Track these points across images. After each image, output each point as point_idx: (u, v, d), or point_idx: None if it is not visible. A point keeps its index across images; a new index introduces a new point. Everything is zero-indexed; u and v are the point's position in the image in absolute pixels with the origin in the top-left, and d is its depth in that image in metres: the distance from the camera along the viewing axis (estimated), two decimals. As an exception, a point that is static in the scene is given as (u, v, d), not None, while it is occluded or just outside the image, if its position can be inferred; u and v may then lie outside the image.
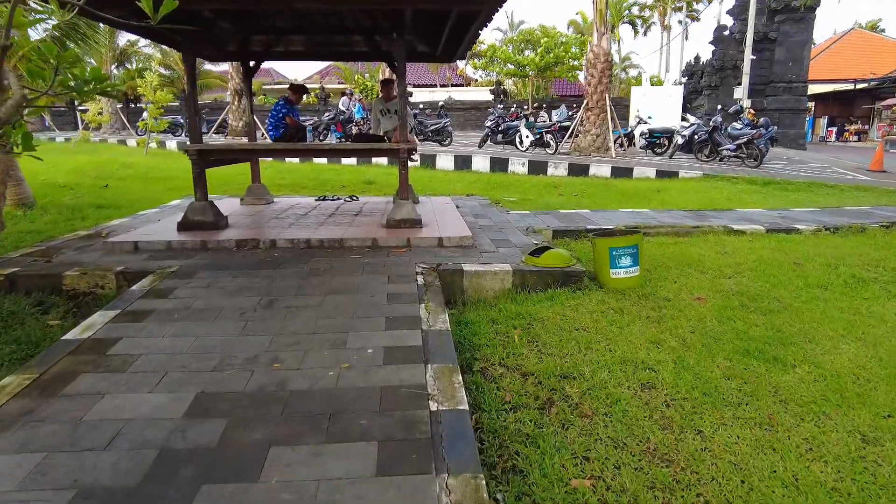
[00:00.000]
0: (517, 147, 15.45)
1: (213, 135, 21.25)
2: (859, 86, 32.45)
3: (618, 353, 3.28)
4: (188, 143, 5.62)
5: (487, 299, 4.40)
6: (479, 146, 16.31)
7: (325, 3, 4.65)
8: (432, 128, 17.30)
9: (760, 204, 8.56)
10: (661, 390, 2.90)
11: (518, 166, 12.30)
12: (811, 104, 31.54)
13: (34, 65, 3.12)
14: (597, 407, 2.72)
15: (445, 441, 2.15)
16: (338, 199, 8.14)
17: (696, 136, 13.77)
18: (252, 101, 7.56)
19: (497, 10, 5.01)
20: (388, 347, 2.98)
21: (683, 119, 14.94)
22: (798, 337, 3.59)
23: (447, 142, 17.33)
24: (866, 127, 31.97)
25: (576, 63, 28.17)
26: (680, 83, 27.71)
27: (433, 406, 2.41)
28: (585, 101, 14.48)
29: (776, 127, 14.74)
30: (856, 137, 31.70)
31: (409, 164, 5.84)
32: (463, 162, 12.94)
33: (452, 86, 36.75)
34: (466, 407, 2.42)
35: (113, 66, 33.64)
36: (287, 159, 12.19)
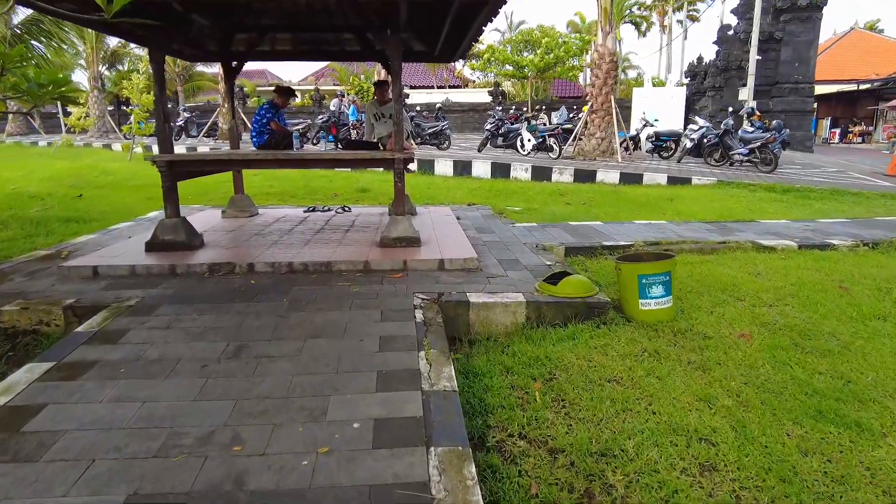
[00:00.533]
0: (518, 151, 14.85)
1: (204, 138, 20.60)
2: (862, 86, 32.01)
3: (664, 418, 2.67)
4: (156, 152, 4.99)
5: (498, 335, 3.79)
6: (479, 150, 15.71)
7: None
8: (430, 131, 16.70)
9: (783, 214, 7.97)
10: (726, 474, 2.29)
11: (521, 172, 11.69)
12: (813, 105, 31.04)
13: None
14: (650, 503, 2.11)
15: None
16: (328, 210, 7.53)
17: (705, 140, 13.19)
18: (234, 103, 6.93)
19: (505, 2, 4.41)
20: (379, 420, 2.36)
21: (692, 122, 14.36)
22: (874, 390, 2.99)
23: (445, 145, 16.73)
24: (870, 128, 31.48)
25: (576, 63, 27.62)
26: (682, 84, 27.18)
27: (439, 519, 1.79)
28: (590, 103, 13.90)
29: (788, 130, 14.18)
30: (860, 139, 31.22)
31: (406, 173, 5.23)
32: (463, 167, 12.34)
33: (450, 87, 36.15)
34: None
35: (103, 68, 32.96)
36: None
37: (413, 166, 5.08)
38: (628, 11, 35.87)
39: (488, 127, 16.13)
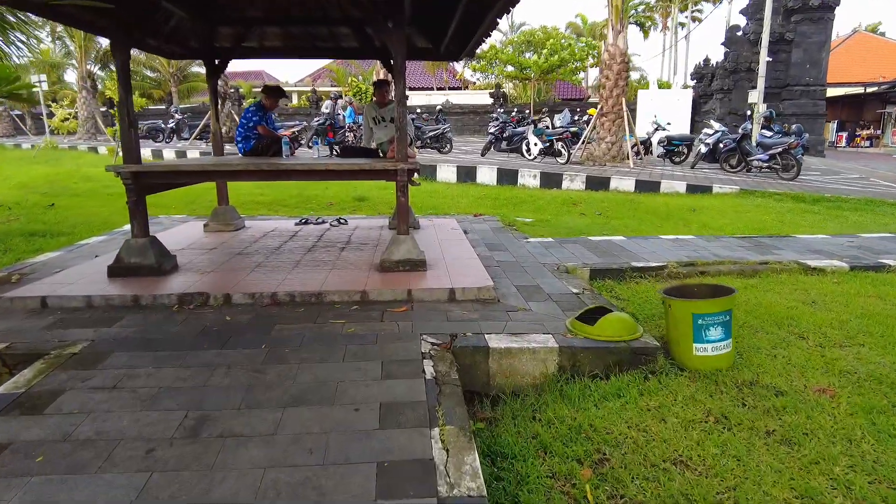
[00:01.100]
0: (524, 156, 14.18)
1: (196, 140, 19.91)
2: (870, 89, 31.43)
3: (763, 530, 2.00)
4: (120, 162, 4.31)
5: (524, 389, 3.11)
6: (482, 154, 15.04)
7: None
8: (430, 134, 16.02)
9: (819, 228, 7.31)
10: None
11: (529, 179, 11.02)
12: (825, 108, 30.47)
13: None
14: None
15: None
16: (322, 222, 6.85)
17: (721, 145, 12.54)
18: (218, 106, 6.25)
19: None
20: (381, 553, 1.68)
21: (706, 126, 13.72)
22: None
23: (447, 149, 16.05)
24: (878, 132, 30.89)
25: (579, 65, 27.00)
26: (688, 86, 26.58)
27: None
28: (599, 106, 13.24)
29: (808, 134, 13.55)
30: (868, 143, 30.63)
31: (411, 185, 4.55)
32: (466, 173, 11.66)
33: (450, 88, 35.51)
34: None
35: (96, 67, 32.23)
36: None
37: (418, 181, 4.50)
38: (633, 12, 35.38)
39: (492, 130, 15.46)
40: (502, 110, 20.67)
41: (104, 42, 27.61)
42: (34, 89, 18.98)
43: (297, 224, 6.74)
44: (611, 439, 2.53)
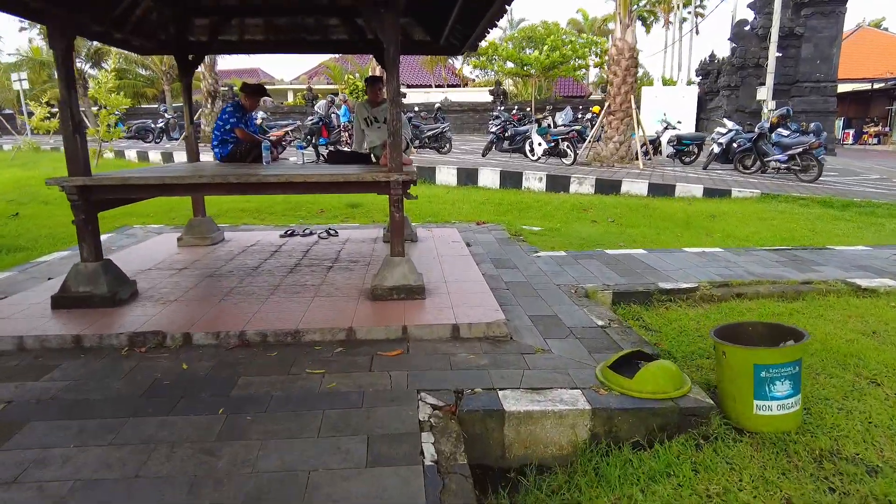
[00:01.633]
0: (527, 156, 13.53)
1: (184, 140, 19.21)
2: (877, 85, 30.81)
3: None
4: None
5: (549, 462, 2.49)
6: (483, 155, 14.40)
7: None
8: (429, 133, 15.37)
9: (856, 238, 6.68)
10: None
11: (534, 181, 10.37)
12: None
13: None
14: None
15: None
16: (310, 233, 6.22)
17: (735, 145, 11.90)
18: (192, 106, 5.61)
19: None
20: None
21: (719, 124, 13.09)
22: None
23: (446, 149, 15.41)
24: (886, 129, 30.27)
25: (581, 62, 26.34)
26: (692, 83, 25.95)
27: None
28: (607, 104, 12.60)
29: (826, 133, 12.93)
30: (875, 140, 30.01)
31: (407, 198, 3.92)
32: (467, 176, 11.02)
33: (448, 86, 34.83)
34: None
35: (87, 66, 31.47)
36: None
37: (415, 194, 3.98)
38: (636, 6, 34.67)
39: (493, 129, 14.80)
40: (503, 108, 20.03)
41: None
42: (14, 88, 18.34)
43: (281, 236, 6.11)
44: (671, 553, 1.91)
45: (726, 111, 21.15)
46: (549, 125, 15.15)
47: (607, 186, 9.88)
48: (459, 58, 34.64)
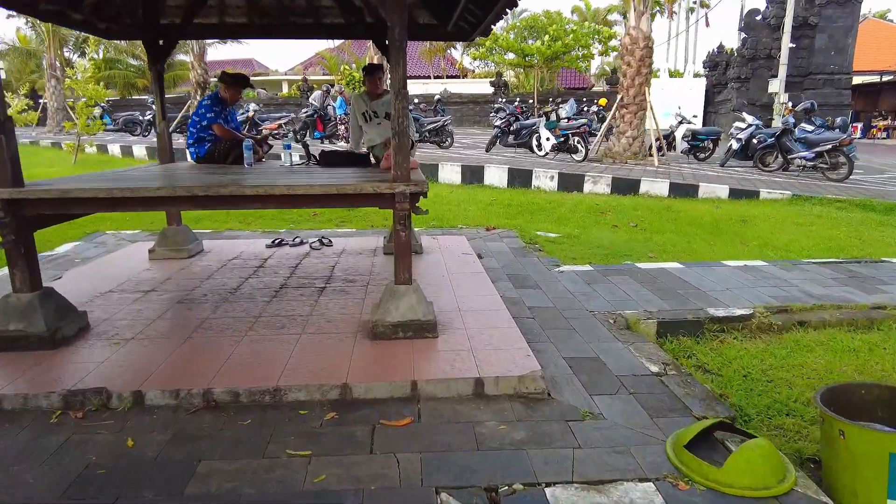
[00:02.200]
0: (534, 151, 12.81)
1: (176, 133, 18.39)
2: (886, 78, 30.07)
3: None
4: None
5: None
6: (487, 150, 13.67)
7: None
8: (430, 127, 14.61)
9: (908, 246, 6.02)
10: None
11: (545, 180, 9.65)
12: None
13: None
14: None
15: None
16: (301, 242, 5.53)
17: (755, 141, 11.20)
18: (164, 98, 4.88)
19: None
20: None
21: (738, 119, 12.39)
22: None
23: (447, 143, 14.67)
24: (895, 123, 29.57)
25: (585, 52, 25.53)
26: (699, 75, 25.19)
27: None
28: (619, 97, 11.87)
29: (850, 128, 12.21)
30: (884, 134, 29.30)
31: (416, 212, 3.24)
32: (472, 174, 10.29)
33: (448, 77, 33.97)
34: None
35: (75, 55, 30.49)
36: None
37: (425, 209, 3.40)
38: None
39: (498, 123, 14.06)
40: (505, 100, 19.25)
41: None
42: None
43: (268, 246, 5.40)
44: None
45: (735, 104, 20.43)
46: (558, 118, 14.43)
47: (624, 186, 9.17)
48: (459, 48, 33.76)
